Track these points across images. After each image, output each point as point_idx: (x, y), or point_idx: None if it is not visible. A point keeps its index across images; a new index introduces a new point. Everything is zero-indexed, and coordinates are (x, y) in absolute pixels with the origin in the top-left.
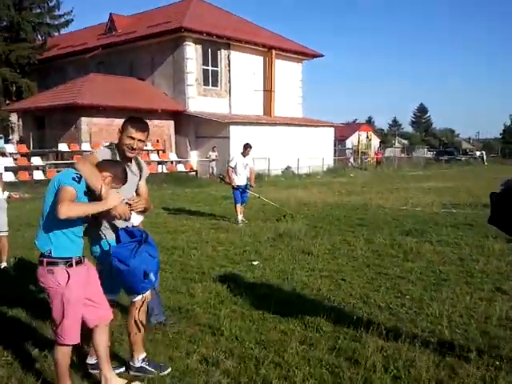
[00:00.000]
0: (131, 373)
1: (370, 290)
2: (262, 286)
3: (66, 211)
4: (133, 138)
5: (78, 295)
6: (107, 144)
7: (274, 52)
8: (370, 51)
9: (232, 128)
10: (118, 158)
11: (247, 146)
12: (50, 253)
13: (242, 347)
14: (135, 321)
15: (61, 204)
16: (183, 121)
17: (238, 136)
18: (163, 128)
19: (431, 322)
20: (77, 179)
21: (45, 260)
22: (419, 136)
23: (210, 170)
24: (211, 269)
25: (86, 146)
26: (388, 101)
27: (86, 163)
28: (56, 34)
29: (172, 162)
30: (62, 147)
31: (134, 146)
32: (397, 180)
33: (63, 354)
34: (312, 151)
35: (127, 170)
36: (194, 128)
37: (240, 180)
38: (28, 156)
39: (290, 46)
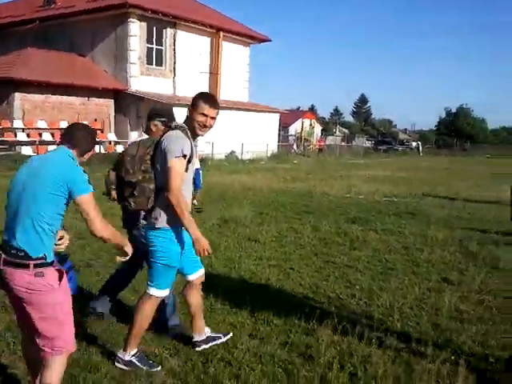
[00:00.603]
0: (118, 365)
1: (319, 279)
2: (209, 275)
3: (103, 230)
4: (205, 115)
5: (69, 294)
6: (176, 124)
7: (221, 34)
8: (316, 39)
9: (176, 110)
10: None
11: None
12: (45, 258)
13: (188, 343)
14: (144, 315)
15: (95, 218)
16: (124, 100)
17: (181, 118)
18: (102, 107)
19: (382, 313)
20: (88, 179)
21: (32, 263)
22: (359, 125)
23: None
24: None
25: (18, 123)
26: (330, 90)
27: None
28: None
29: (110, 143)
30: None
31: (206, 124)
32: (339, 168)
33: (63, 365)
34: (256, 136)
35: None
36: (135, 108)
37: None
38: None
39: (239, 29)
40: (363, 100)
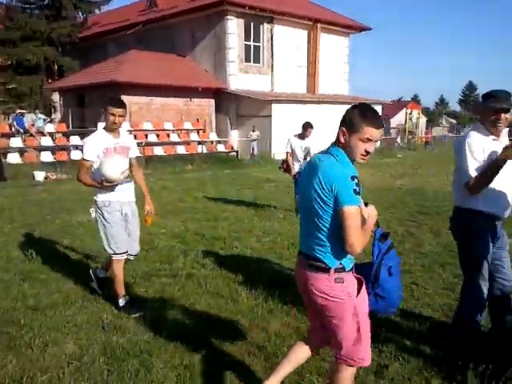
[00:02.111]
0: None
1: (451, 298)
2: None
3: (359, 246)
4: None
5: (366, 306)
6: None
7: (319, 25)
8: (415, 26)
9: (274, 106)
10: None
11: (307, 126)
12: (343, 268)
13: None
14: None
15: (355, 237)
16: (224, 99)
17: (280, 115)
18: (203, 107)
19: None
20: (358, 190)
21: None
22: (468, 115)
23: (251, 151)
24: (255, 265)
25: (125, 125)
26: (434, 78)
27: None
28: (97, 11)
29: (212, 142)
30: (102, 126)
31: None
32: (450, 161)
33: (352, 376)
34: None
35: None
36: (235, 106)
37: (300, 168)
38: (67, 135)
39: (336, 19)
40: (471, 87)
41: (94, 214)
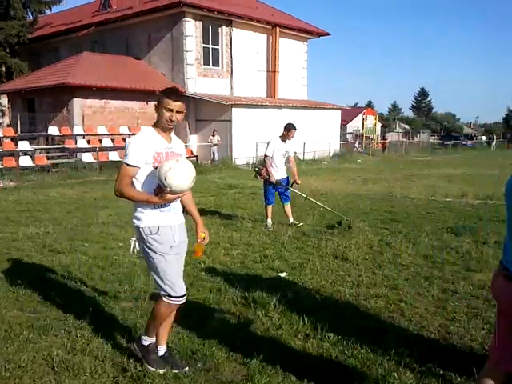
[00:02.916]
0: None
1: (445, 318)
2: (298, 309)
3: None
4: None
5: None
6: None
7: (278, 30)
8: (369, 33)
9: (235, 110)
10: None
11: (290, 128)
12: None
13: None
14: None
15: None
16: (182, 103)
17: (240, 119)
18: None
19: None
20: None
21: None
22: (420, 120)
23: (212, 156)
24: (227, 283)
25: (78, 130)
26: (387, 85)
27: None
28: (48, 11)
29: None
30: (52, 131)
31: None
32: (409, 166)
33: None
34: (318, 135)
35: None
36: (193, 111)
37: (279, 173)
38: (15, 140)
39: (295, 24)
40: (423, 93)
41: (137, 247)
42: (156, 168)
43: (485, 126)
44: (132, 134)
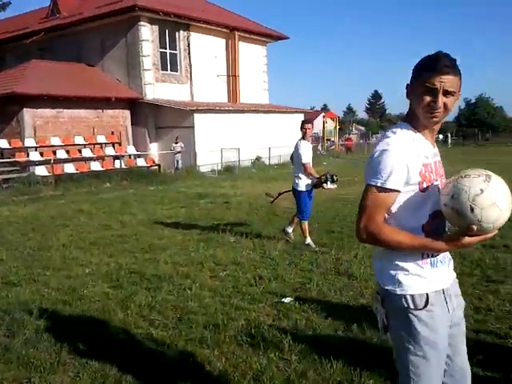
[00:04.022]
0: None
1: (498, 346)
2: (319, 347)
3: None
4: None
5: None
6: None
7: (236, 33)
8: (322, 37)
9: (197, 116)
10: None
11: (309, 121)
12: None
13: None
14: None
15: None
16: (140, 110)
17: (203, 125)
18: (118, 118)
19: None
20: None
21: None
22: (376, 122)
23: (175, 164)
24: (223, 315)
25: (29, 142)
26: (341, 88)
27: None
28: None
29: (130, 156)
30: (2, 144)
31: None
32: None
33: None
34: (282, 139)
35: None
36: (152, 118)
37: (308, 181)
38: None
39: (254, 28)
40: (377, 96)
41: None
42: (426, 191)
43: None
44: (89, 145)
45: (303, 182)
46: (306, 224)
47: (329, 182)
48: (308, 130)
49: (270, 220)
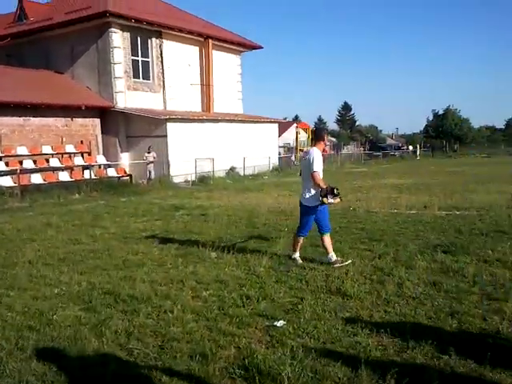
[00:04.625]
0: None
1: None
2: (320, 382)
3: None
4: None
5: None
6: None
7: (210, 42)
8: (294, 49)
9: (170, 125)
10: None
11: (324, 132)
12: None
13: None
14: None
15: None
16: (111, 118)
17: (176, 134)
18: (88, 127)
19: None
20: None
21: None
22: (346, 133)
23: (148, 174)
24: (211, 342)
25: None
26: (312, 99)
27: None
28: None
29: (100, 166)
30: None
31: None
32: (349, 177)
33: None
34: (257, 150)
35: None
36: (124, 126)
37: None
38: None
39: (228, 36)
40: (347, 107)
41: None
42: None
43: (406, 137)
44: (57, 154)
45: (313, 196)
46: (301, 240)
47: (329, 196)
48: (326, 138)
49: (250, 233)
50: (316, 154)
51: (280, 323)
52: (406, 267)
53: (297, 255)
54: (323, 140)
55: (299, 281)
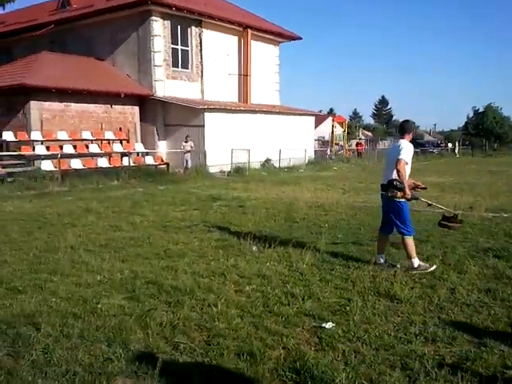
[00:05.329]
0: None
1: None
2: None
3: None
4: None
5: None
6: None
7: (249, 31)
8: (331, 41)
9: (207, 115)
10: None
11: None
12: None
13: None
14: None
15: None
16: (150, 107)
17: (213, 124)
18: (127, 115)
19: None
20: None
21: None
22: (382, 128)
23: (184, 163)
24: (257, 340)
25: (36, 135)
26: (348, 92)
27: None
28: (0, 10)
29: (138, 154)
30: (7, 136)
31: None
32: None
33: None
34: (293, 142)
35: None
36: (162, 115)
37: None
38: None
39: (267, 26)
40: (384, 101)
41: None
42: None
43: (445, 134)
44: (96, 140)
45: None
46: (411, 240)
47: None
48: (413, 130)
49: (290, 227)
50: (406, 144)
51: (329, 325)
52: (458, 271)
53: (419, 262)
54: (411, 132)
55: (344, 280)
